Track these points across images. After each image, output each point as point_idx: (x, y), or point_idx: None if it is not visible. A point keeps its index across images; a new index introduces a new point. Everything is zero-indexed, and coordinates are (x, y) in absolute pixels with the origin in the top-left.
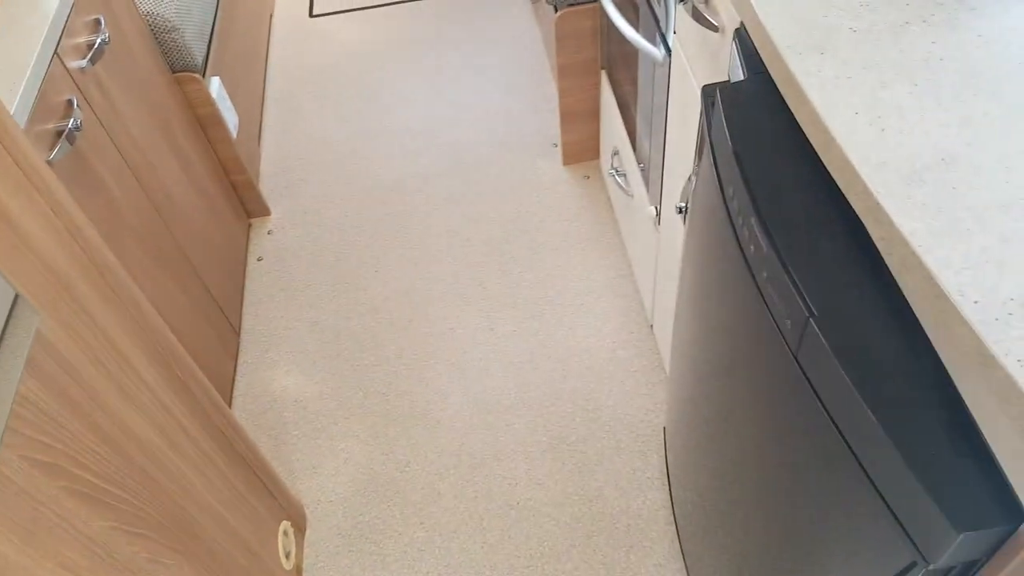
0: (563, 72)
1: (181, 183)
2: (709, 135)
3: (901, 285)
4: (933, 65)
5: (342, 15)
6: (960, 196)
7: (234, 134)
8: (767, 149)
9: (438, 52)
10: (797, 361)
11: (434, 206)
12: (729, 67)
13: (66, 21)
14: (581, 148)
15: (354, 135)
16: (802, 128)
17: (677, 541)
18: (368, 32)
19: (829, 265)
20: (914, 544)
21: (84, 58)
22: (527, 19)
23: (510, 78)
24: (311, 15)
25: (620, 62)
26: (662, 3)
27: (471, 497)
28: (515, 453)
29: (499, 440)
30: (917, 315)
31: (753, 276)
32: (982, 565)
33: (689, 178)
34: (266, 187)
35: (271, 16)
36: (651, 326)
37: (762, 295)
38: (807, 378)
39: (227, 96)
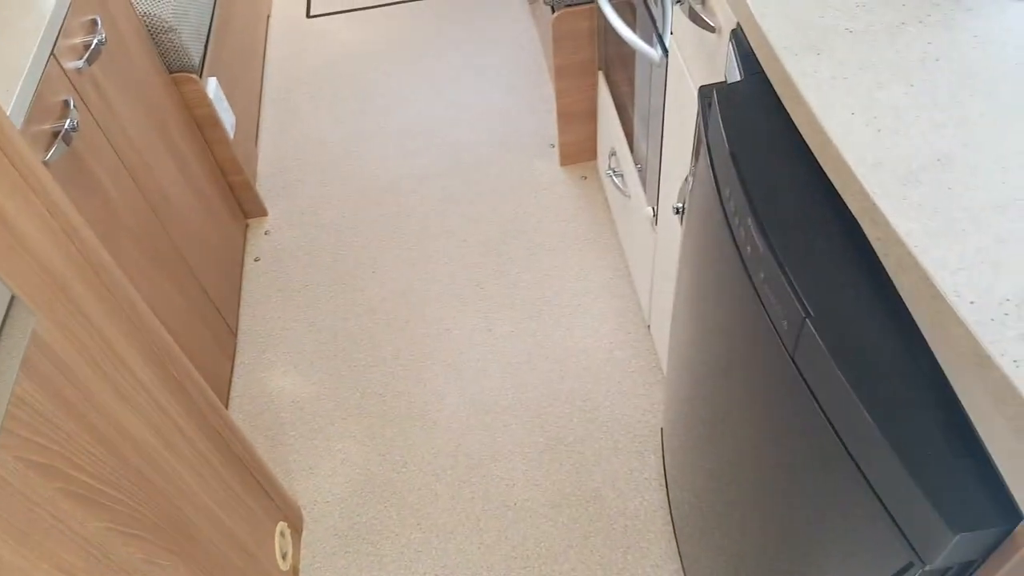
0: (560, 73)
1: (178, 184)
2: (706, 136)
3: (897, 286)
4: (929, 66)
5: (340, 15)
6: (956, 196)
7: (231, 134)
8: (764, 150)
9: (435, 53)
10: (793, 362)
11: (431, 207)
12: (726, 68)
13: (63, 22)
14: (578, 149)
15: (352, 135)
16: (798, 129)
17: (674, 542)
18: (366, 33)
19: (825, 266)
20: (910, 545)
21: (81, 59)
22: (524, 19)
23: (507, 79)
24: (308, 15)
25: (617, 63)
26: (659, 4)
27: (468, 498)
28: (512, 454)
29: (496, 441)
30: (913, 316)
31: (750, 277)
32: (978, 566)
33: (686, 179)
34: (263, 187)
35: (268, 17)
36: (648, 327)
37: (759, 296)
38: (803, 379)
39: (224, 97)
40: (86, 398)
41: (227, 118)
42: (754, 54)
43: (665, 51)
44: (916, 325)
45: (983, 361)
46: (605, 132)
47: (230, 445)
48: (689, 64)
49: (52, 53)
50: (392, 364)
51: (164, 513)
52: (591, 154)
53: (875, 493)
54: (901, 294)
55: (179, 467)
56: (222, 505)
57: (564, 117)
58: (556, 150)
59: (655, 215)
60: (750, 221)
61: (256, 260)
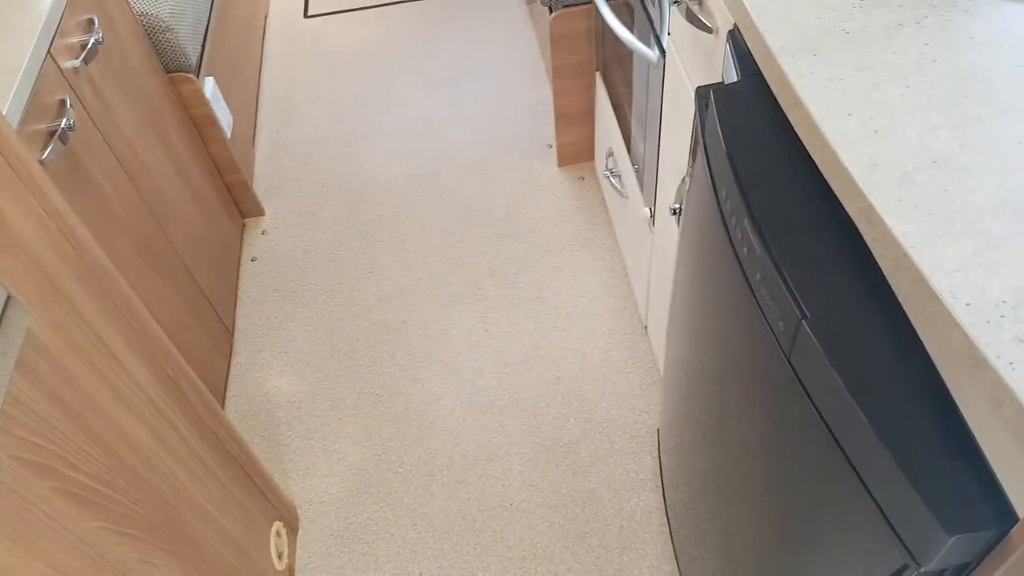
0: (558, 73)
1: (175, 183)
2: (703, 137)
3: (893, 287)
4: (926, 67)
5: (337, 16)
6: (952, 198)
7: (228, 134)
8: (760, 151)
9: (433, 53)
10: (789, 363)
11: (429, 207)
12: (723, 68)
13: (59, 21)
14: (576, 149)
15: (348, 135)
16: (795, 130)
17: (670, 543)
18: (363, 33)
19: (822, 267)
20: (905, 546)
21: (77, 58)
22: (522, 20)
23: (505, 79)
24: (306, 15)
25: (615, 63)
26: (656, 4)
27: (464, 498)
28: (508, 454)
29: (492, 441)
30: (909, 317)
31: (746, 278)
32: (974, 568)
33: (683, 179)
34: (260, 187)
35: (266, 17)
36: (645, 327)
37: (755, 297)
38: (799, 380)
39: (221, 96)
40: (81, 397)
41: (224, 118)
42: (751, 55)
43: (662, 52)
44: (912, 327)
45: (979, 363)
46: (602, 133)
47: (226, 445)
48: (686, 65)
49: (49, 52)
50: (389, 364)
51: (159, 512)
52: (589, 155)
53: (870, 494)
54: (897, 296)
55: (174, 467)
56: (217, 505)
57: (562, 118)
58: (554, 151)
59: (652, 216)
60: (747, 222)
61: (253, 260)
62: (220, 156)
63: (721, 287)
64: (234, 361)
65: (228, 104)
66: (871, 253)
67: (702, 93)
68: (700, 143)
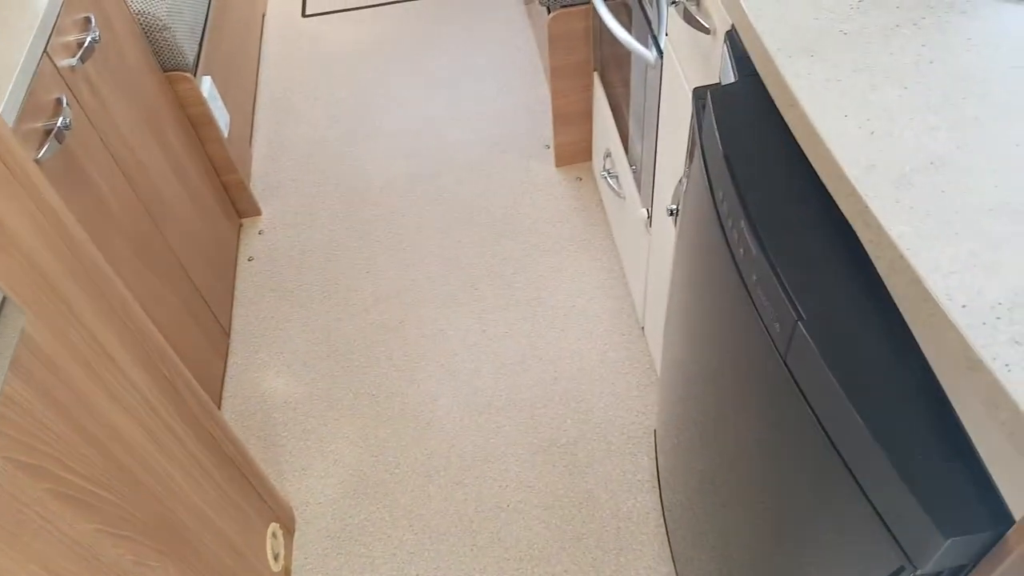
0: (556, 73)
1: (171, 183)
2: (700, 137)
3: (890, 288)
4: (923, 68)
5: (335, 15)
6: (949, 199)
7: (225, 134)
8: (757, 152)
9: (431, 53)
10: (786, 364)
11: (426, 207)
12: (720, 69)
13: (56, 19)
14: (574, 150)
15: (346, 135)
16: (792, 131)
17: (667, 544)
18: (361, 32)
19: (818, 268)
20: (901, 548)
21: (74, 56)
22: (520, 20)
23: (503, 79)
24: (304, 15)
25: (613, 64)
26: (654, 5)
27: (461, 499)
28: (505, 455)
29: (489, 442)
30: (905, 319)
31: (743, 279)
32: (970, 570)
33: (681, 180)
34: (257, 187)
35: (263, 16)
36: (642, 328)
37: (751, 298)
38: (795, 381)
39: (218, 96)
40: (76, 398)
41: (221, 117)
42: (748, 56)
43: (660, 52)
44: (908, 328)
45: (975, 365)
46: (600, 133)
47: (222, 446)
48: (684, 65)
49: (45, 51)
50: (386, 365)
51: (155, 514)
52: (586, 155)
53: (866, 496)
54: (893, 297)
55: (170, 468)
56: (213, 506)
57: (559, 118)
58: (551, 151)
59: (650, 217)
60: (743, 223)
61: (250, 260)
62: (217, 156)
63: (718, 288)
64: (230, 361)
65: (225, 103)
66: (868, 254)
67: (699, 94)
68: (697, 144)
